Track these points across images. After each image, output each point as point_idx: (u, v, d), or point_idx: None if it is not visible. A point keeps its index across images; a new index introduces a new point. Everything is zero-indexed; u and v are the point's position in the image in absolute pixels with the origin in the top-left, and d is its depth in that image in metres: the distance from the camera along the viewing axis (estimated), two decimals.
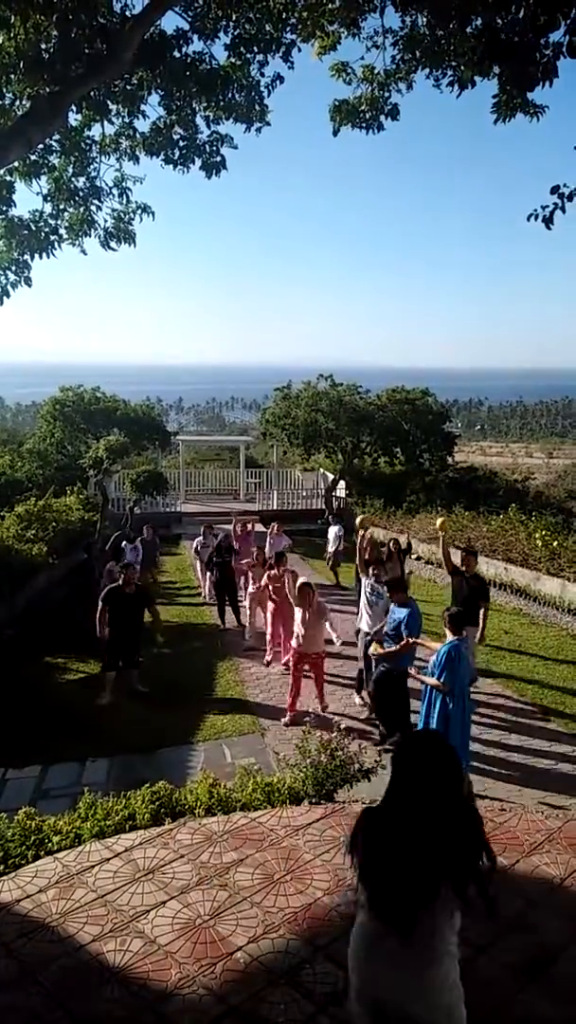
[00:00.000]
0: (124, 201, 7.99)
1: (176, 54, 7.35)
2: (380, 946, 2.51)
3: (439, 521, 9.77)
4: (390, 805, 2.54)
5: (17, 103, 7.13)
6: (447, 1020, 2.51)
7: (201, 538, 14.47)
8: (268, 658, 10.36)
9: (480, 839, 2.55)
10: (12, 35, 6.42)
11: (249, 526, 14.98)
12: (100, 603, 9.34)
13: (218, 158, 7.96)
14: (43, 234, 7.45)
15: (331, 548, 15.57)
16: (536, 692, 9.33)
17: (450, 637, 6.46)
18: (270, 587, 10.22)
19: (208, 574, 13.65)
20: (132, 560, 13.97)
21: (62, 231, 7.73)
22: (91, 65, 6.57)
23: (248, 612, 11.81)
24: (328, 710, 8.60)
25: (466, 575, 9.34)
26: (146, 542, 15.57)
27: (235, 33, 7.44)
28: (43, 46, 6.72)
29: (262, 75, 7.71)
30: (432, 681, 6.37)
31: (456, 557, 9.53)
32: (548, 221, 5.77)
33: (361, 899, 2.56)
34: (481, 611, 8.96)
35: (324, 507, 23.65)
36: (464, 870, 2.46)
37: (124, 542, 14.36)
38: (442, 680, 6.27)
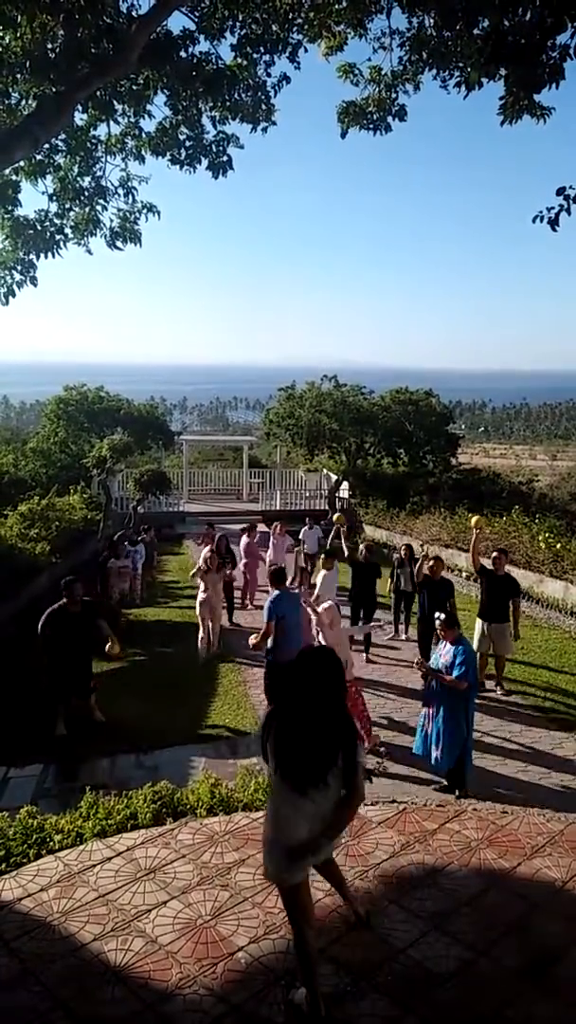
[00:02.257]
0: (130, 201, 8.01)
1: (182, 54, 7.36)
2: (292, 804, 3.31)
3: (474, 519, 9.81)
4: (292, 703, 3.36)
5: (23, 103, 7.15)
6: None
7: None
8: None
9: (352, 726, 3.46)
10: (19, 35, 6.44)
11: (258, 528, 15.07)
12: (40, 629, 7.94)
13: (224, 158, 7.96)
14: (48, 234, 7.46)
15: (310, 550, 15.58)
16: (539, 695, 9.31)
17: (449, 643, 6.54)
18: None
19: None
20: (134, 562, 13.93)
21: (68, 231, 7.74)
22: (97, 65, 6.58)
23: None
24: None
25: (497, 574, 9.45)
26: (145, 543, 15.71)
27: (241, 33, 7.44)
28: (49, 46, 6.74)
29: (268, 75, 7.73)
30: (453, 681, 6.33)
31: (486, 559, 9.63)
32: (554, 223, 5.77)
33: (273, 774, 3.37)
34: (512, 607, 9.24)
35: (327, 508, 23.64)
36: (351, 744, 3.33)
37: (126, 542, 14.33)
38: (469, 679, 6.33)
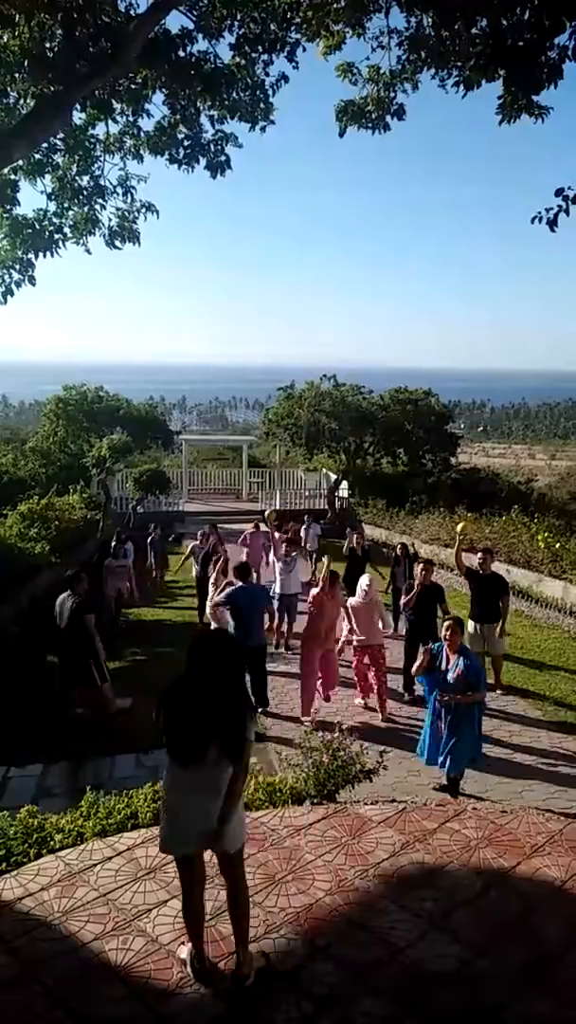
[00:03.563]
0: (128, 200, 8.02)
1: (181, 53, 7.36)
2: (176, 777, 3.52)
3: (460, 525, 9.70)
4: (184, 682, 3.56)
5: (21, 102, 7.16)
6: (236, 828, 3.56)
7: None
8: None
9: (244, 705, 3.63)
10: (17, 34, 6.44)
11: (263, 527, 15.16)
12: (71, 617, 8.09)
13: (223, 157, 7.97)
14: (47, 233, 7.47)
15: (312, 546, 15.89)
16: (538, 695, 9.32)
17: (454, 654, 6.44)
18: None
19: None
20: (127, 561, 13.82)
21: (66, 230, 7.76)
22: (95, 64, 6.58)
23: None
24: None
25: (484, 574, 9.34)
26: (154, 542, 15.92)
27: (240, 32, 7.45)
28: (48, 45, 6.74)
29: (267, 74, 7.74)
30: (477, 696, 6.30)
31: (472, 559, 9.55)
32: (552, 223, 5.77)
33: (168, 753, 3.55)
34: (501, 605, 9.20)
35: (327, 507, 23.65)
36: (235, 722, 3.49)
37: (115, 542, 14.13)
38: (481, 689, 6.30)
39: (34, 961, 3.80)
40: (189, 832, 3.51)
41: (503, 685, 9.33)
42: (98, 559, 13.49)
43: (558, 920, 4.20)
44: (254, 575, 9.89)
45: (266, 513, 13.73)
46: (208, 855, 3.77)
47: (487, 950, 3.92)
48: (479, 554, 9.62)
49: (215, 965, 3.72)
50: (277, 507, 23.88)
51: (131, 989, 3.62)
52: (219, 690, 3.49)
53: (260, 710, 8.42)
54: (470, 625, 9.33)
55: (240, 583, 8.68)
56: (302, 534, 15.66)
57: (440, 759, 6.41)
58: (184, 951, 3.79)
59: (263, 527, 14.51)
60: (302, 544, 14.94)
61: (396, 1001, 3.57)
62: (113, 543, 13.67)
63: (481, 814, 5.37)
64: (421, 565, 9.28)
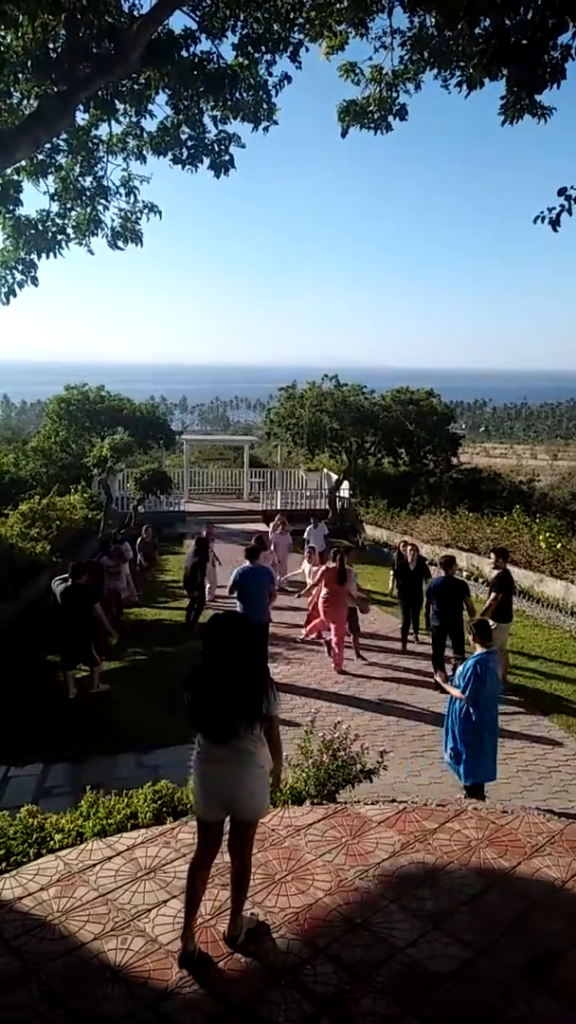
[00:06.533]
0: (131, 200, 8.01)
1: (184, 53, 7.35)
2: (213, 754, 3.76)
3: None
4: (204, 665, 3.78)
5: (25, 102, 7.15)
6: (258, 799, 3.81)
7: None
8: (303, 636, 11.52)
9: (263, 679, 3.83)
10: (20, 34, 6.45)
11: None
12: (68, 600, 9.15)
13: (226, 157, 7.97)
14: (50, 233, 7.47)
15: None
16: (539, 695, 9.32)
17: (479, 649, 6.38)
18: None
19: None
20: (119, 561, 13.74)
21: (69, 230, 7.75)
22: (99, 65, 6.58)
23: None
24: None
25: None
26: (145, 543, 15.88)
27: (243, 33, 7.44)
28: (51, 45, 6.74)
29: (270, 74, 7.72)
30: (455, 692, 6.34)
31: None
32: (555, 223, 5.77)
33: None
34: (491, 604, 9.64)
35: (328, 507, 23.63)
36: (257, 699, 3.71)
37: (119, 541, 14.13)
38: (467, 693, 6.23)
39: (34, 960, 3.80)
40: (220, 800, 3.78)
41: (506, 681, 9.35)
42: (99, 559, 13.48)
43: (559, 920, 4.20)
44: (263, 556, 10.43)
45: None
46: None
47: (487, 950, 3.92)
48: (491, 555, 10.29)
49: (204, 953, 3.83)
50: (278, 507, 23.89)
51: (130, 989, 3.62)
52: (237, 668, 3.72)
53: None
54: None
55: (249, 563, 9.47)
56: (306, 536, 15.69)
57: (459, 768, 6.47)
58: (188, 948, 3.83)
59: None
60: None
61: (396, 1001, 3.57)
62: (108, 542, 13.68)
63: (481, 814, 5.37)
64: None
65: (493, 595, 9.67)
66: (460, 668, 6.43)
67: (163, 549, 18.88)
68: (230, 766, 3.72)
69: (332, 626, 10.43)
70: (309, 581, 11.99)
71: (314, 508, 23.96)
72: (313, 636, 11.26)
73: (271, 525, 15.93)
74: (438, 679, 7.40)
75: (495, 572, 10.00)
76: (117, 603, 12.55)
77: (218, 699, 3.71)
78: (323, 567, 10.81)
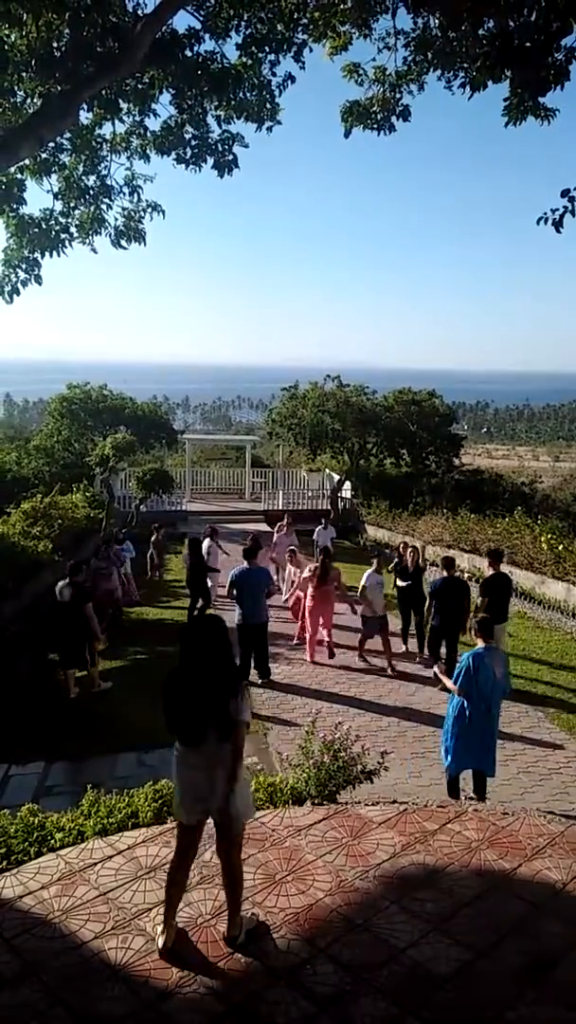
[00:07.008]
0: (135, 199, 8.01)
1: (188, 53, 7.37)
2: (181, 754, 3.82)
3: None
4: (178, 669, 3.79)
5: (28, 101, 7.16)
6: (237, 803, 3.80)
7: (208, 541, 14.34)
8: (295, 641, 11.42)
9: (235, 685, 3.80)
10: (24, 33, 6.45)
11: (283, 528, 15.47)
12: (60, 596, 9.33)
13: (230, 157, 7.98)
14: (54, 232, 7.47)
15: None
16: (540, 696, 9.31)
17: (479, 644, 6.43)
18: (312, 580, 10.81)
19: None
20: (109, 563, 13.57)
21: (72, 229, 7.76)
22: (103, 64, 6.59)
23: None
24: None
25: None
26: (158, 542, 16.32)
27: (247, 33, 7.45)
28: (55, 44, 6.74)
29: (273, 74, 7.74)
30: (449, 684, 6.44)
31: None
32: (558, 225, 5.76)
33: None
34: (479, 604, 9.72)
35: (330, 508, 23.62)
36: (225, 705, 3.70)
37: (109, 543, 13.99)
38: (457, 684, 6.28)
39: (34, 959, 3.81)
40: (197, 803, 3.84)
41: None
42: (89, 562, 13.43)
43: (559, 923, 4.20)
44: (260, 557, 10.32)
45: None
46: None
47: (488, 952, 3.92)
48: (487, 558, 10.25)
49: (179, 945, 3.89)
50: (280, 507, 23.88)
51: (131, 988, 3.62)
52: (208, 674, 3.74)
53: (262, 680, 9.53)
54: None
55: (246, 564, 9.58)
56: (315, 537, 15.72)
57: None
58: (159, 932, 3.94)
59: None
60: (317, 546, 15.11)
61: (396, 1002, 3.57)
62: (109, 542, 13.66)
63: (482, 816, 5.37)
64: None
65: (482, 599, 9.75)
66: (459, 662, 6.49)
67: (165, 549, 18.87)
68: (203, 771, 3.78)
69: (321, 619, 10.67)
70: (293, 582, 12.35)
71: (317, 508, 23.94)
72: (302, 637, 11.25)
73: (276, 526, 15.93)
74: (437, 670, 7.42)
75: (489, 573, 10.04)
76: (113, 605, 12.51)
77: (189, 704, 3.76)
78: (309, 566, 11.02)
